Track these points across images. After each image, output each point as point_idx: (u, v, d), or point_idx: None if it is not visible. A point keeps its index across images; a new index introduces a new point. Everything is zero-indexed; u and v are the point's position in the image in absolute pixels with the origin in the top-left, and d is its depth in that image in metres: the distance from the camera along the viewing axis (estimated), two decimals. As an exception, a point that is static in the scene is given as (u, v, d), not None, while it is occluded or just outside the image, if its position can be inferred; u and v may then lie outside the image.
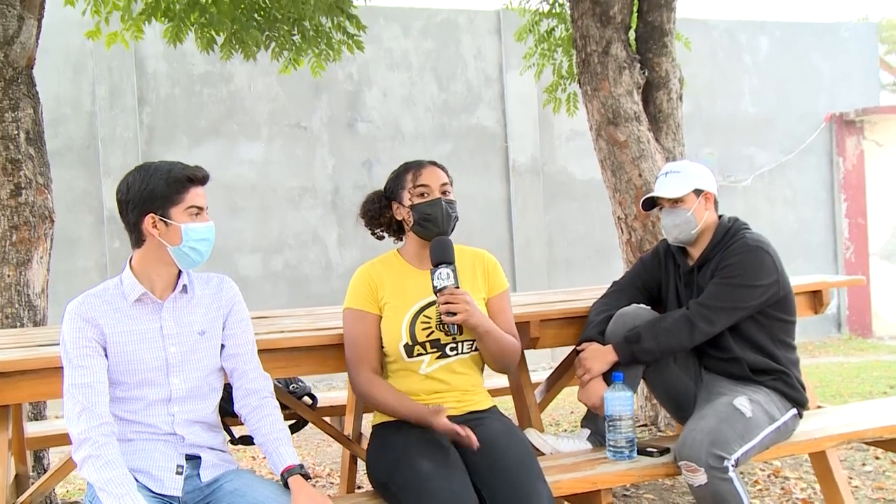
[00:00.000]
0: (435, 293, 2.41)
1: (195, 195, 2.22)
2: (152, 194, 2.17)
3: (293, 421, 3.60)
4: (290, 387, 3.68)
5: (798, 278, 3.58)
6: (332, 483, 4.32)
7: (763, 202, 10.23)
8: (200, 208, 2.23)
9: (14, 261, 3.63)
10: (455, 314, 2.37)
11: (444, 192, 2.54)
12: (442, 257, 2.42)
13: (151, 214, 2.18)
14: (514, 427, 2.54)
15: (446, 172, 2.60)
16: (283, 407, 3.28)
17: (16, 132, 3.63)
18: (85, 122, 8.07)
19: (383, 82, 9.03)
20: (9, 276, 3.61)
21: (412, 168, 2.59)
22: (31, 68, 3.84)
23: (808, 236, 10.45)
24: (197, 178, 2.22)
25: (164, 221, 2.18)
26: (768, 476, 4.00)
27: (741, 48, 10.31)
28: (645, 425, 4.92)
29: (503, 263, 9.40)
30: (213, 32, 4.86)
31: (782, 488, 3.83)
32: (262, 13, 4.97)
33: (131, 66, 8.10)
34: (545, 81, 6.42)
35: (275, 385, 3.35)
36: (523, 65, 6.43)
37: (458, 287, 2.40)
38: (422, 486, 2.21)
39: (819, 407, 3.39)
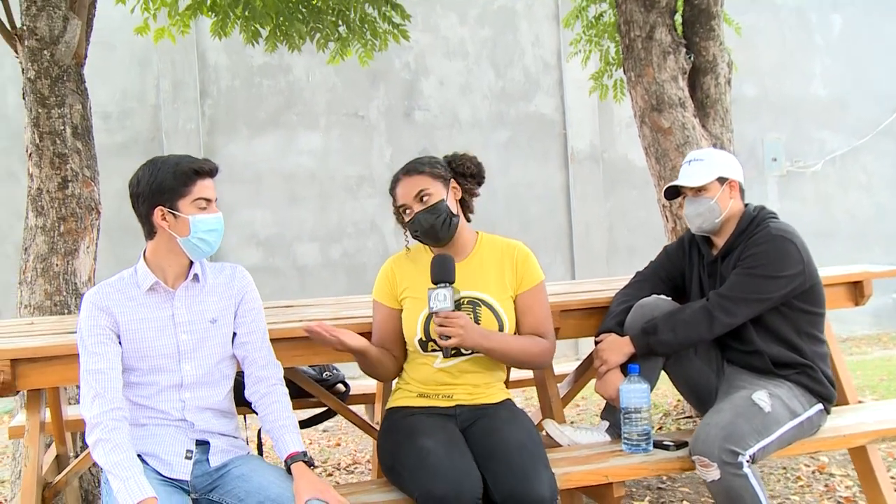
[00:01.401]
0: (431, 314, 2.41)
1: (202, 187, 2.27)
2: (160, 187, 2.24)
3: (324, 409, 3.65)
4: (324, 374, 3.70)
5: (838, 268, 3.45)
6: (369, 469, 4.38)
7: (835, 188, 9.83)
8: (209, 200, 2.29)
9: (62, 250, 3.79)
10: (450, 337, 2.37)
11: (421, 200, 2.49)
12: (440, 276, 2.41)
13: (160, 207, 2.25)
14: (522, 416, 2.53)
15: (424, 172, 2.51)
16: (309, 396, 3.35)
17: (62, 127, 3.78)
18: (150, 115, 8.31)
19: (440, 70, 9.01)
20: (57, 265, 3.77)
21: (392, 188, 2.58)
22: (81, 66, 3.98)
23: (885, 224, 9.98)
24: (204, 170, 2.27)
25: (173, 214, 2.25)
26: (812, 472, 3.87)
27: (811, 28, 9.91)
28: (689, 417, 4.82)
29: (562, 251, 9.30)
30: (257, 25, 4.95)
31: (826, 485, 3.71)
32: (305, 5, 5.02)
33: (193, 60, 8.30)
34: (597, 68, 6.31)
35: (305, 373, 3.45)
36: (569, 51, 6.33)
37: (453, 310, 2.38)
38: (424, 461, 2.24)
39: (860, 402, 3.27)
